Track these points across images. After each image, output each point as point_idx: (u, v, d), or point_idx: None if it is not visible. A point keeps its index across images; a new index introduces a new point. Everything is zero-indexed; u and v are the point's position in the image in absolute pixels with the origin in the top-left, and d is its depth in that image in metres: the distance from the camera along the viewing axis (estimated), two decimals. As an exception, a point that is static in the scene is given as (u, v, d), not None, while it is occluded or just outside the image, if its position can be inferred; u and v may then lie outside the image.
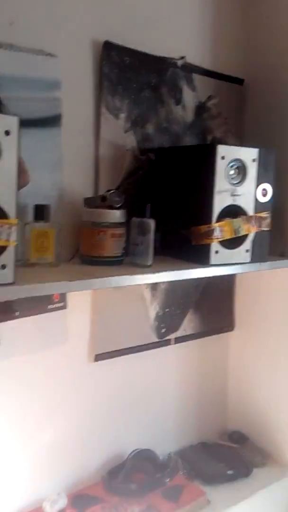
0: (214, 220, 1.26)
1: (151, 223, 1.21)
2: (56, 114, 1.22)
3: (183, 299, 1.56)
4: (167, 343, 1.53)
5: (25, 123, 1.10)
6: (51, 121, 1.21)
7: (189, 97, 1.50)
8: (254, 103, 1.63)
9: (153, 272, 1.17)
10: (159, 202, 1.36)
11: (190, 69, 1.48)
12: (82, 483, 1.38)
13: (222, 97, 1.56)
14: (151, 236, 1.21)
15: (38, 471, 1.31)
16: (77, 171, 1.28)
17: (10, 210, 0.91)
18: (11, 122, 0.90)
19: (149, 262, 1.21)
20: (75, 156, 1.27)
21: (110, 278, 1.09)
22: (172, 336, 1.54)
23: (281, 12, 1.54)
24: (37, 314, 1.24)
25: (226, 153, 1.25)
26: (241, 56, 1.62)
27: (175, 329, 1.55)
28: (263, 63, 1.60)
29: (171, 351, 1.56)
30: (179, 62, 1.46)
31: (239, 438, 1.70)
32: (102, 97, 1.30)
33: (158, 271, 1.18)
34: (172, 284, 1.51)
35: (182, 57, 1.46)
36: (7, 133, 0.89)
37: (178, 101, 1.47)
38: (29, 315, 1.22)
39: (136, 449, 1.45)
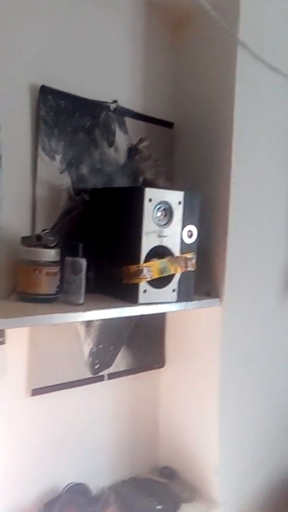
0: (142, 260, 1.41)
1: (83, 263, 1.35)
2: (-5, 156, 1.35)
3: (116, 336, 1.69)
4: (100, 379, 1.65)
5: None
6: (-10, 162, 1.35)
7: (122, 140, 1.67)
8: (183, 146, 1.81)
9: (84, 311, 1.30)
10: (93, 241, 1.51)
11: (122, 112, 1.65)
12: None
13: (153, 140, 1.74)
14: (83, 275, 1.35)
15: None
16: (15, 211, 1.39)
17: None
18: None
19: (81, 301, 1.34)
20: (13, 196, 1.38)
21: (42, 316, 1.21)
22: (105, 372, 1.66)
23: (204, 64, 1.75)
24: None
25: (153, 196, 1.41)
26: (171, 101, 1.81)
27: (108, 365, 1.68)
28: (190, 109, 1.79)
29: (105, 386, 1.67)
30: (112, 106, 1.63)
31: (169, 474, 1.83)
32: (39, 139, 1.45)
33: (89, 310, 1.31)
34: (105, 321, 1.65)
35: (115, 101, 1.63)
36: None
37: (111, 143, 1.64)
38: None
39: (70, 483, 1.56)
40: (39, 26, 1.44)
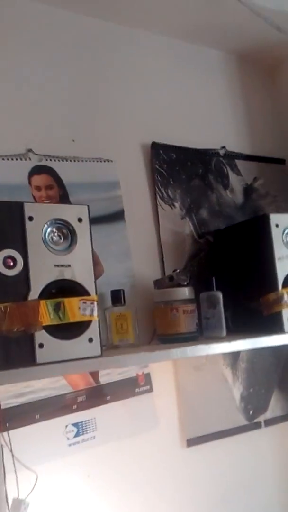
0: (280, 287, 1.36)
1: (219, 295, 1.33)
2: (118, 210, 1.43)
3: (266, 378, 1.61)
4: (257, 426, 1.56)
5: (93, 221, 1.31)
6: (115, 216, 1.42)
7: (236, 181, 1.69)
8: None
9: (229, 341, 1.26)
10: (223, 281, 1.49)
11: (231, 156, 1.70)
12: None
13: (267, 178, 1.75)
14: (221, 307, 1.32)
15: None
16: (144, 258, 1.46)
17: (90, 288, 1.07)
18: (82, 210, 1.10)
19: (223, 334, 1.31)
20: (141, 245, 1.45)
21: (187, 347, 1.19)
22: (261, 419, 1.57)
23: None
24: (125, 398, 1.35)
25: (279, 221, 1.38)
26: (278, 140, 1.84)
27: (263, 410, 1.58)
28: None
29: (263, 434, 1.58)
30: (221, 152, 1.68)
31: None
32: (156, 190, 1.51)
33: (234, 340, 1.27)
34: (251, 362, 1.58)
35: (223, 147, 1.69)
36: (79, 220, 1.09)
37: (226, 185, 1.67)
38: (119, 399, 1.34)
39: None
40: (147, 94, 1.58)
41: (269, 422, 1.59)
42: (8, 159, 1.30)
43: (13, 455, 1.04)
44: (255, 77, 1.85)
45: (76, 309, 1.04)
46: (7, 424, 1.15)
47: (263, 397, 1.59)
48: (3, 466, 0.87)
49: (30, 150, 1.35)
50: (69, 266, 1.06)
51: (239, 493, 1.51)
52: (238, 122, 1.77)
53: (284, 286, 1.36)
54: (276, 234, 1.38)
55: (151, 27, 1.58)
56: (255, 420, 1.56)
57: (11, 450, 1.06)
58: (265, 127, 1.83)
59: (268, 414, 1.59)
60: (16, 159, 1.32)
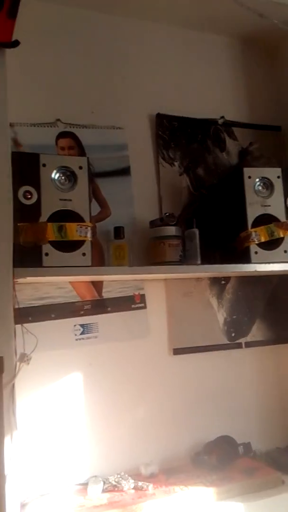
0: (250, 226, 1.74)
1: (196, 232, 1.74)
2: (126, 167, 1.86)
3: (249, 308, 1.98)
4: (238, 346, 1.95)
5: (105, 174, 1.80)
6: (123, 171, 1.85)
7: (232, 145, 2.06)
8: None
9: (203, 266, 1.69)
10: (215, 226, 1.87)
11: (229, 124, 2.06)
12: (171, 462, 1.78)
13: (262, 143, 2.09)
14: (197, 241, 1.73)
15: (135, 442, 1.75)
16: (145, 205, 1.87)
17: (86, 217, 1.51)
18: (83, 160, 1.54)
19: (198, 261, 1.72)
20: (143, 195, 1.87)
21: (174, 266, 1.67)
22: (242, 340, 1.95)
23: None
24: (123, 311, 1.79)
25: (252, 173, 1.76)
26: (276, 109, 2.17)
27: (245, 334, 1.96)
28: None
29: (243, 354, 1.96)
30: (220, 121, 2.05)
31: None
32: (159, 151, 1.92)
33: (208, 266, 1.70)
34: (236, 294, 1.96)
35: (222, 117, 2.06)
36: (80, 167, 1.52)
37: (223, 149, 2.04)
38: (118, 311, 1.78)
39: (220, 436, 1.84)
40: (155, 73, 1.98)
41: (249, 344, 1.96)
42: (41, 126, 1.76)
43: (22, 325, 1.51)
44: (257, 55, 2.18)
45: (74, 231, 1.49)
46: (30, 318, 1.63)
47: (245, 324, 1.97)
48: (14, 330, 1.34)
49: (58, 120, 1.79)
50: (70, 200, 1.50)
51: (218, 396, 1.90)
52: (239, 95, 2.12)
53: (253, 226, 1.74)
54: (248, 184, 1.76)
55: (159, 19, 1.97)
56: (236, 341, 1.94)
57: (22, 325, 1.53)
58: (265, 99, 2.17)
59: (249, 338, 1.96)
60: (48, 126, 1.77)
